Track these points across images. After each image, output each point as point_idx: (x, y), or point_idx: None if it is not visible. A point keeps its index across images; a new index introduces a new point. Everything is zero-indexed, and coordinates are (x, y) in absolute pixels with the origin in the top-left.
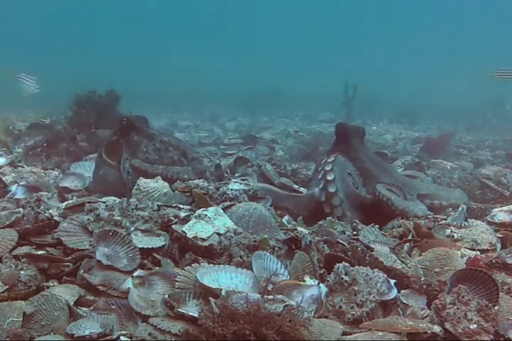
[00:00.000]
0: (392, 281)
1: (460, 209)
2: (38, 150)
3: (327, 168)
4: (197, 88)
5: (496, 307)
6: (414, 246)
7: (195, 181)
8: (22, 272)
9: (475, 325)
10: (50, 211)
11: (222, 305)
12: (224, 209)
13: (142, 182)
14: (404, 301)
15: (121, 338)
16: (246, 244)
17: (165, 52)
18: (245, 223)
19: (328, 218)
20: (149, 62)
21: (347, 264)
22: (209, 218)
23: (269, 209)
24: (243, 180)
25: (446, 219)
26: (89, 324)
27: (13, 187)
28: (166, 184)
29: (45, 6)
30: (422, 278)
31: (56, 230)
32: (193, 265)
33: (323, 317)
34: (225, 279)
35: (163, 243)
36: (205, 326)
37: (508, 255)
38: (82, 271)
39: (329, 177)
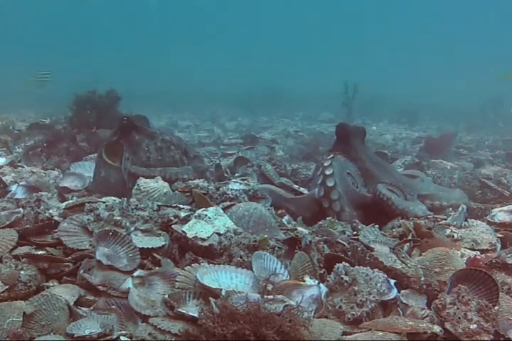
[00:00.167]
0: (392, 281)
1: (460, 209)
2: (38, 150)
3: (326, 164)
4: (197, 88)
5: (496, 307)
6: (414, 246)
7: (195, 181)
8: (22, 272)
9: (475, 325)
10: (50, 211)
11: (222, 305)
12: (224, 209)
13: (142, 182)
14: (404, 301)
15: (121, 338)
16: (246, 244)
17: (165, 52)
18: (245, 223)
19: (328, 218)
20: (149, 62)
21: (347, 264)
22: (209, 218)
23: (269, 209)
24: (243, 180)
25: (446, 219)
26: (89, 324)
27: (13, 187)
28: (166, 184)
29: (46, 5)
30: (422, 278)
31: (56, 230)
32: (193, 265)
33: (323, 317)
34: (225, 279)
35: (163, 243)
36: (205, 326)
37: (508, 255)
38: (82, 271)
39: (327, 172)
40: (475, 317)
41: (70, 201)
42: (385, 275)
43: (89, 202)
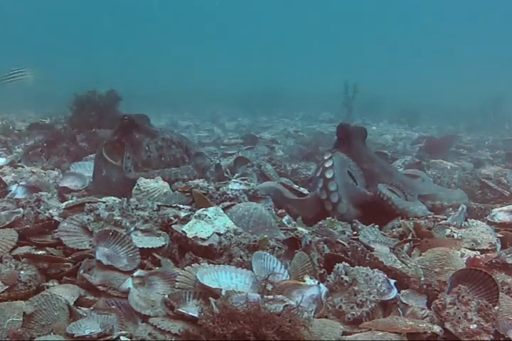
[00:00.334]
0: (392, 281)
1: (460, 209)
2: (38, 150)
3: (327, 165)
4: (197, 88)
5: (496, 307)
6: (414, 246)
7: (195, 181)
8: (22, 272)
9: (475, 325)
10: (50, 211)
11: (222, 305)
12: (224, 209)
13: (142, 182)
14: (404, 301)
15: (121, 338)
16: (246, 244)
17: (165, 52)
18: (245, 223)
19: (328, 218)
20: (149, 62)
21: (347, 264)
22: (209, 218)
23: (269, 209)
24: (243, 180)
25: (446, 219)
26: (89, 324)
27: (13, 187)
28: (166, 184)
29: (46, 5)
30: (422, 278)
31: (56, 230)
32: (193, 265)
33: (323, 317)
34: (225, 279)
35: (163, 243)
36: (205, 326)
37: (508, 255)
38: (82, 271)
39: (328, 176)
40: (475, 317)
41: (70, 201)
42: (385, 275)
43: (89, 202)
